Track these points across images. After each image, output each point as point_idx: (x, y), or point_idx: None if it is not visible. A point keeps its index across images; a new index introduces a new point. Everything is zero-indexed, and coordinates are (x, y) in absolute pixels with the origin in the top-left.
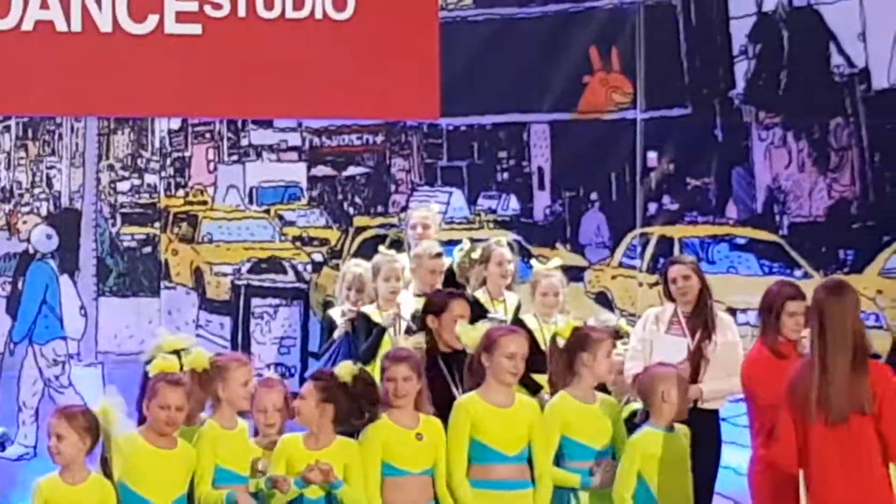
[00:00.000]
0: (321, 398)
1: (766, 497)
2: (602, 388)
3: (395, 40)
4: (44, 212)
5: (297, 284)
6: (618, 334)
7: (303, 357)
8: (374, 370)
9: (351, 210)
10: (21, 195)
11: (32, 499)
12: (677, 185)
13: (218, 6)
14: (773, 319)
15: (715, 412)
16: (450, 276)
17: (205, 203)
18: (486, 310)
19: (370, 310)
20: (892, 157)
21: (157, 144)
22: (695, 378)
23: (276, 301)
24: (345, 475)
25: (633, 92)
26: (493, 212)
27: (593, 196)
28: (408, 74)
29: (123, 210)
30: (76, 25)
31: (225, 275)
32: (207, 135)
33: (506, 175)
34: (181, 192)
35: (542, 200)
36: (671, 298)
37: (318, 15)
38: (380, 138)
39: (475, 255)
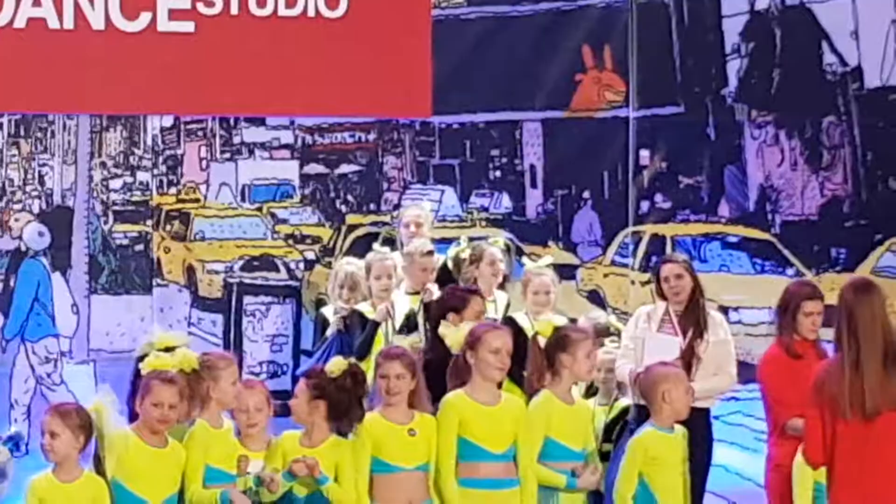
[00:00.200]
0: (312, 395)
1: (779, 493)
2: (590, 386)
3: (387, 38)
4: (36, 209)
5: (289, 282)
6: (607, 331)
7: (295, 355)
8: (369, 366)
9: (343, 208)
10: (13, 193)
11: (26, 497)
12: (670, 184)
13: (210, 4)
14: (789, 319)
15: (706, 411)
16: (442, 274)
17: (197, 201)
18: None
19: (364, 307)
20: (885, 156)
21: (149, 142)
22: (686, 377)
23: (269, 299)
24: (336, 473)
25: (626, 90)
26: (486, 210)
27: (586, 194)
28: (400, 72)
29: (116, 208)
30: (68, 23)
31: (217, 272)
32: (200, 132)
33: (498, 173)
34: (173, 190)
35: (534, 198)
36: (663, 297)
37: (311, 13)
38: (372, 136)
39: (464, 254)
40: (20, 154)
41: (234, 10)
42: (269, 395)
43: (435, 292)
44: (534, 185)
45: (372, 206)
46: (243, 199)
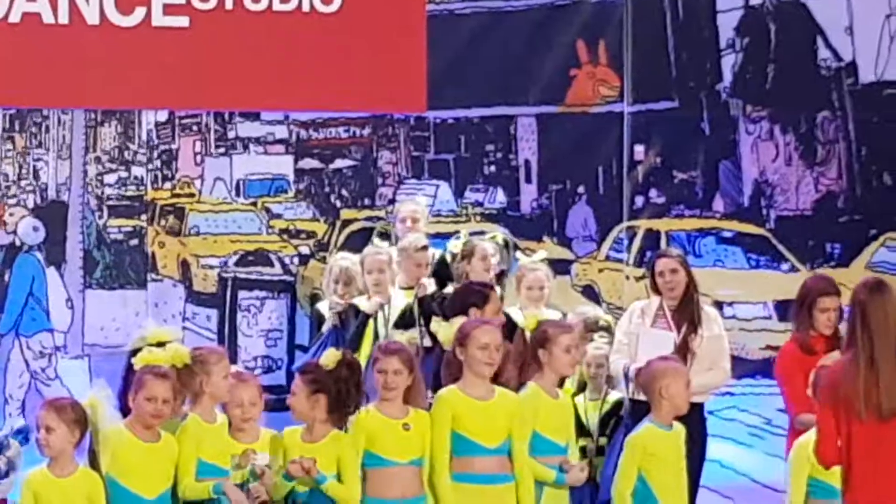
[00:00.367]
0: (311, 390)
1: None
2: (581, 381)
3: (382, 33)
4: (30, 204)
5: (283, 277)
6: (597, 326)
7: (289, 350)
8: (360, 359)
9: (338, 203)
10: (8, 187)
11: (21, 492)
12: (664, 179)
13: None
14: (805, 314)
15: (700, 406)
16: (440, 268)
17: (192, 195)
18: None
19: (360, 301)
20: (879, 151)
21: (144, 137)
22: (687, 371)
23: (263, 294)
24: (338, 468)
25: (621, 85)
26: (480, 205)
27: (580, 189)
28: (395, 67)
29: (110, 202)
30: (63, 17)
31: (212, 267)
32: (194, 127)
33: (493, 168)
34: (168, 185)
35: (528, 193)
36: (657, 291)
37: (306, 8)
38: (367, 131)
39: (455, 250)
40: (15, 149)
41: (228, 4)
42: (261, 388)
43: (429, 287)
44: (528, 180)
45: (366, 201)
46: (238, 194)
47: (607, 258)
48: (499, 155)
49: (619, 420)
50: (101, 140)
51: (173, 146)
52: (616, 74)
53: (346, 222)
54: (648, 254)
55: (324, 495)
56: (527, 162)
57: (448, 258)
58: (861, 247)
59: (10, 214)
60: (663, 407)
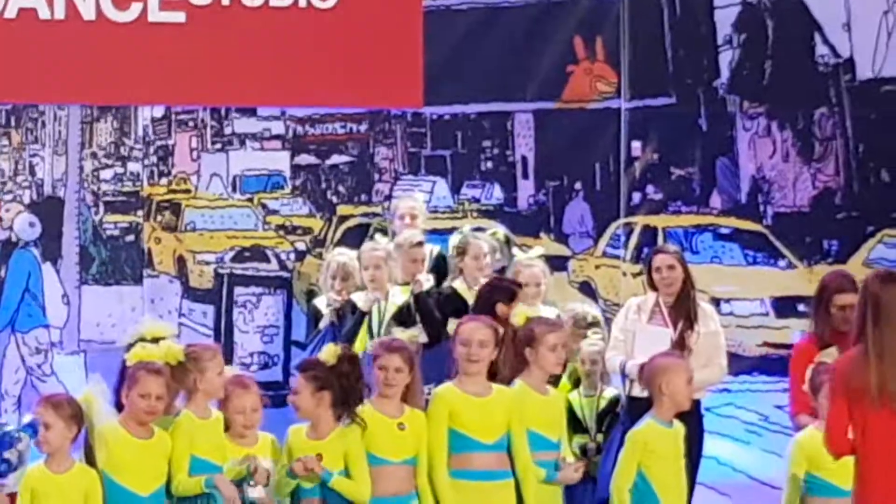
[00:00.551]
0: (315, 387)
1: None
2: (576, 377)
3: (378, 29)
4: (27, 200)
5: (280, 273)
6: (585, 322)
7: (286, 346)
8: None
9: (334, 199)
10: (4, 183)
11: (18, 488)
12: (661, 175)
13: None
14: (822, 311)
15: (697, 402)
16: (438, 264)
17: (188, 191)
18: (464, 301)
19: (358, 297)
20: (877, 148)
21: (140, 132)
22: (689, 367)
23: (260, 290)
24: (346, 462)
25: (618, 81)
26: (477, 201)
27: (577, 185)
28: (391, 63)
29: (106, 198)
30: (59, 13)
31: (208, 263)
32: (191, 123)
33: (489, 164)
34: (164, 181)
35: (525, 190)
36: (654, 288)
37: (302, 3)
38: (363, 127)
39: (454, 244)
40: (11, 144)
41: (225, 0)
42: (260, 393)
43: (425, 283)
44: (525, 177)
45: (363, 197)
46: (234, 190)
47: (604, 254)
48: (496, 151)
49: (616, 417)
50: (97, 136)
51: (169, 142)
52: (613, 71)
53: (343, 218)
54: (645, 250)
55: (334, 491)
56: (524, 158)
57: (452, 253)
58: (858, 243)
59: (6, 210)
60: (664, 403)
